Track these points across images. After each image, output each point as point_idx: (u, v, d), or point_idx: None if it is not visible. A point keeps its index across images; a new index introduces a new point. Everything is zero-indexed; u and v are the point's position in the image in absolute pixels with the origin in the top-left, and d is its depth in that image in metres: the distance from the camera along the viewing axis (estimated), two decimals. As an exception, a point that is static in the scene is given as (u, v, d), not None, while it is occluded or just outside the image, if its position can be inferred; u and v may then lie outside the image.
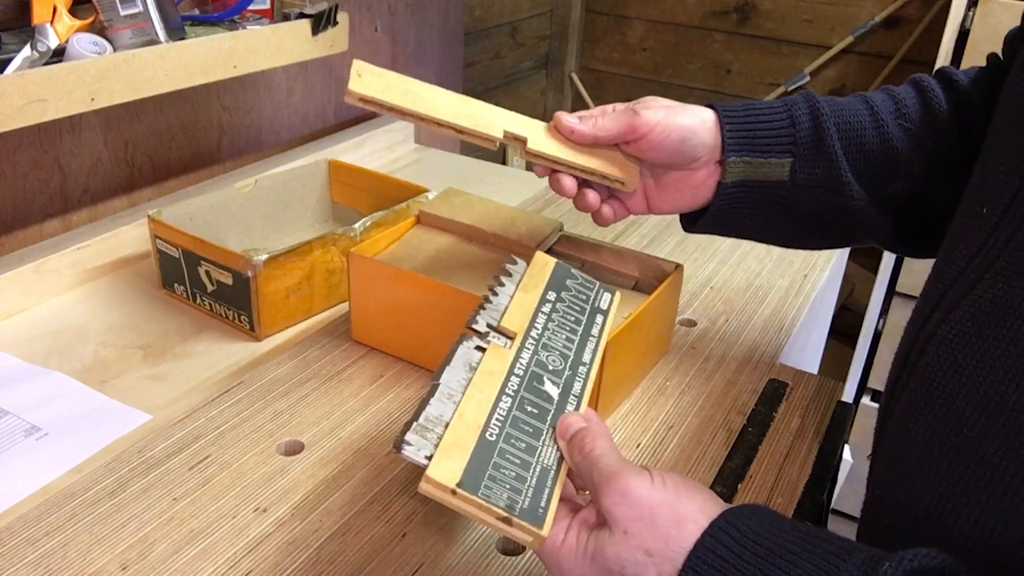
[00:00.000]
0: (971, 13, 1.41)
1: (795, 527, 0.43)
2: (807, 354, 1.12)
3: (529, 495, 0.46)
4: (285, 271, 0.84)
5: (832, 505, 0.82)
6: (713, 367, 0.83)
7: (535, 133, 0.66)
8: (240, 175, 1.13)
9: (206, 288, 0.87)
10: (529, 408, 0.51)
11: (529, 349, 0.55)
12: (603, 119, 0.66)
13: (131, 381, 0.80)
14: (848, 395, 1.75)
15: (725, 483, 0.68)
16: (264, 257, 0.82)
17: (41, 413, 0.74)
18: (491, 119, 0.66)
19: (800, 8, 1.93)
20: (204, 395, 0.76)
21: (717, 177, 0.67)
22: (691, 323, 0.90)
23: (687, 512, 0.44)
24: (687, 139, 0.65)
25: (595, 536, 0.45)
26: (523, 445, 0.49)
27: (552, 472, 0.48)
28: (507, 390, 0.52)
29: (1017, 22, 0.61)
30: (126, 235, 0.98)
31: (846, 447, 1.80)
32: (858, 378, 1.77)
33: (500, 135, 0.65)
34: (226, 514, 0.63)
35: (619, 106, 0.68)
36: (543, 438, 0.50)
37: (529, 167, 0.66)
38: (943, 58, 1.47)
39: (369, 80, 0.62)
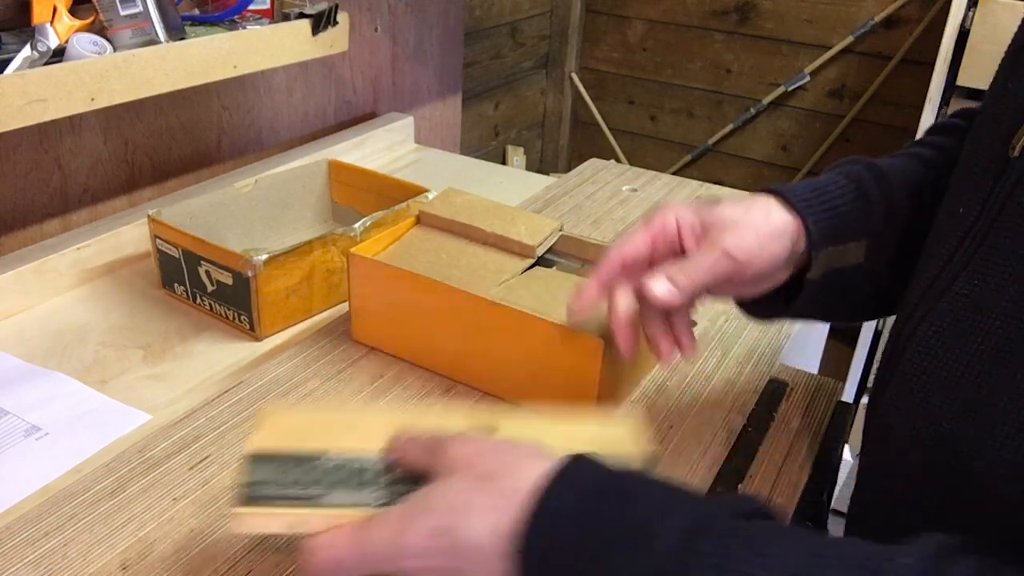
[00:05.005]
0: (971, 13, 1.41)
1: (639, 475, 0.42)
2: (807, 354, 1.12)
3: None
4: (285, 271, 0.84)
5: (832, 505, 0.82)
6: (713, 367, 0.83)
7: (509, 418, 0.53)
8: (240, 175, 1.13)
9: (206, 288, 0.87)
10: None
11: None
12: (694, 268, 0.56)
13: (131, 381, 0.80)
14: (848, 395, 1.75)
15: (725, 483, 0.68)
16: (264, 257, 0.82)
17: (41, 413, 0.74)
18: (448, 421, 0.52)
19: (800, 8, 1.93)
20: (204, 395, 0.76)
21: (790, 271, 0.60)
22: (691, 323, 0.90)
23: (522, 445, 0.44)
24: (778, 259, 0.57)
25: (423, 490, 0.43)
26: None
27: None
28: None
29: (1017, 22, 0.60)
30: (126, 235, 0.98)
31: (846, 447, 1.79)
32: (858, 378, 1.77)
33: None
34: (226, 514, 0.63)
35: (674, 222, 0.58)
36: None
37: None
38: (943, 58, 1.47)
39: (268, 435, 0.50)
